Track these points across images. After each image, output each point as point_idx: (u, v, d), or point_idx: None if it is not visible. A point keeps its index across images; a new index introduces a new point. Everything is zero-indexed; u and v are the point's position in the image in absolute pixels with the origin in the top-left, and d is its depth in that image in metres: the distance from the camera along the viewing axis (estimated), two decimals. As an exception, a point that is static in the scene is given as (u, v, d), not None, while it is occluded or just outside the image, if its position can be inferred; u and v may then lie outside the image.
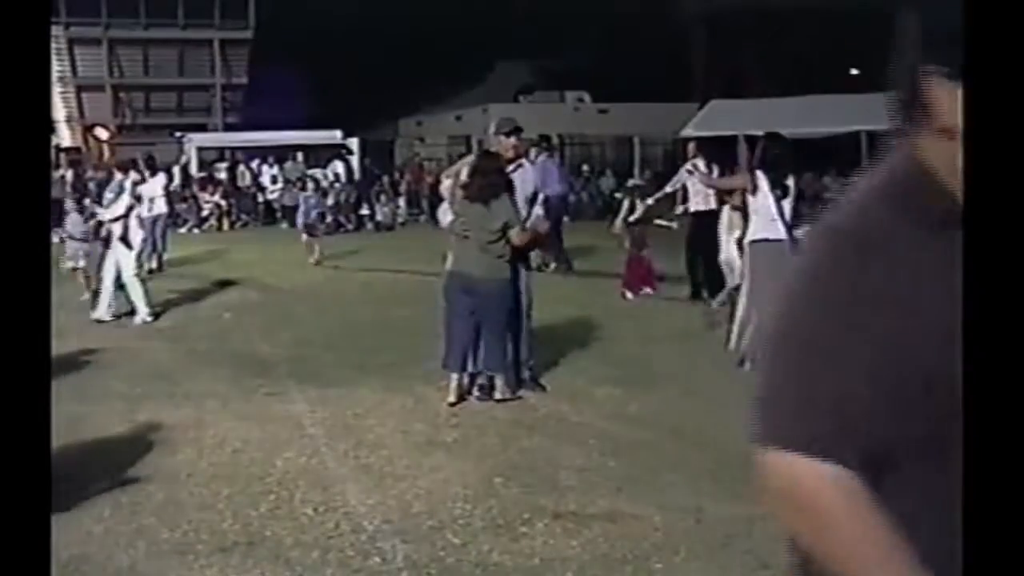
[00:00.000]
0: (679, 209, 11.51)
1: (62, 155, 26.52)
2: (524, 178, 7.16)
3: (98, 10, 35.20)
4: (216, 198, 22.42)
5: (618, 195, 26.67)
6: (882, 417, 1.29)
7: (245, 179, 24.80)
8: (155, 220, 13.86)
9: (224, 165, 25.69)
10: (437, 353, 7.07)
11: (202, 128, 34.14)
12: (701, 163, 10.89)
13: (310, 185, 16.91)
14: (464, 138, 30.77)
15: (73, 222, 11.60)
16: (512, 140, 7.13)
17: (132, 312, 10.20)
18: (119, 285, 10.17)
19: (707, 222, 9.97)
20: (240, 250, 16.89)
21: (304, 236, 15.16)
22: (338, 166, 24.39)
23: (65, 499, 4.82)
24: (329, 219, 22.28)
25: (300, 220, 15.83)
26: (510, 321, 6.90)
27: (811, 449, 1.32)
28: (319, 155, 25.42)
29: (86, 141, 35.02)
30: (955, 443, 1.29)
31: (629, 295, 11.24)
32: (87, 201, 12.14)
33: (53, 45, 32.82)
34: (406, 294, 12.31)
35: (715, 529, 4.57)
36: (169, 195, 15.58)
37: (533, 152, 13.26)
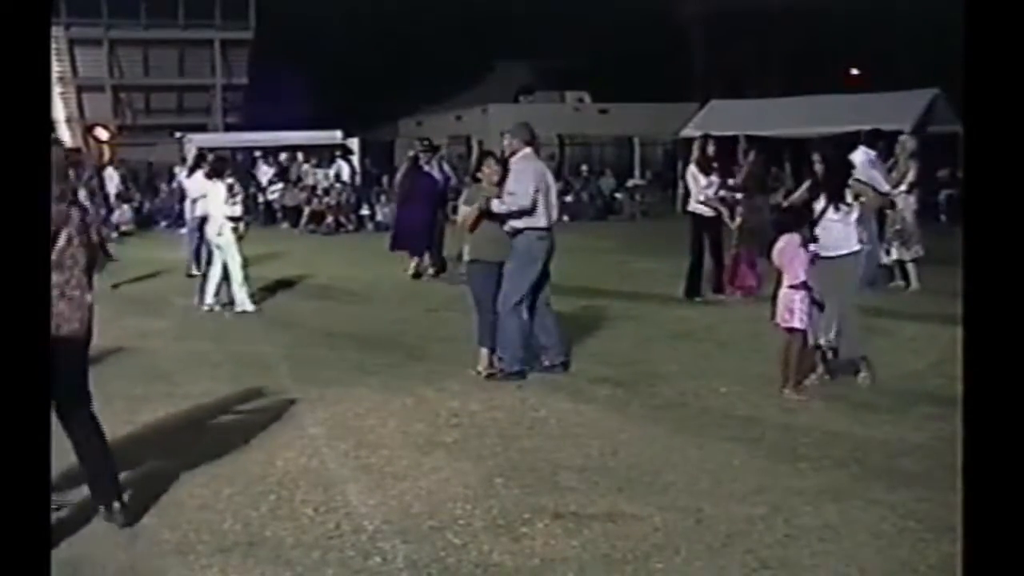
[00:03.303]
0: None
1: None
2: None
3: (98, 11, 35.23)
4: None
5: (618, 195, 26.79)
6: None
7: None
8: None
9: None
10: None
11: (202, 128, 34.16)
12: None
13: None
14: (464, 138, 30.73)
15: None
16: (504, 139, 7.99)
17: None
18: (225, 276, 10.94)
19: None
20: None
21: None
22: (343, 167, 24.36)
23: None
24: (329, 219, 22.32)
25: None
26: (496, 301, 7.58)
27: None
28: (320, 155, 25.39)
29: (86, 142, 35.04)
30: None
31: (738, 294, 11.05)
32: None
33: (53, 46, 32.83)
34: (409, 294, 12.33)
35: (715, 529, 4.57)
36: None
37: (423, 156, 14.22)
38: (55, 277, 4.37)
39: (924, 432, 6.03)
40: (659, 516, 4.72)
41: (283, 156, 26.09)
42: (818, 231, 7.15)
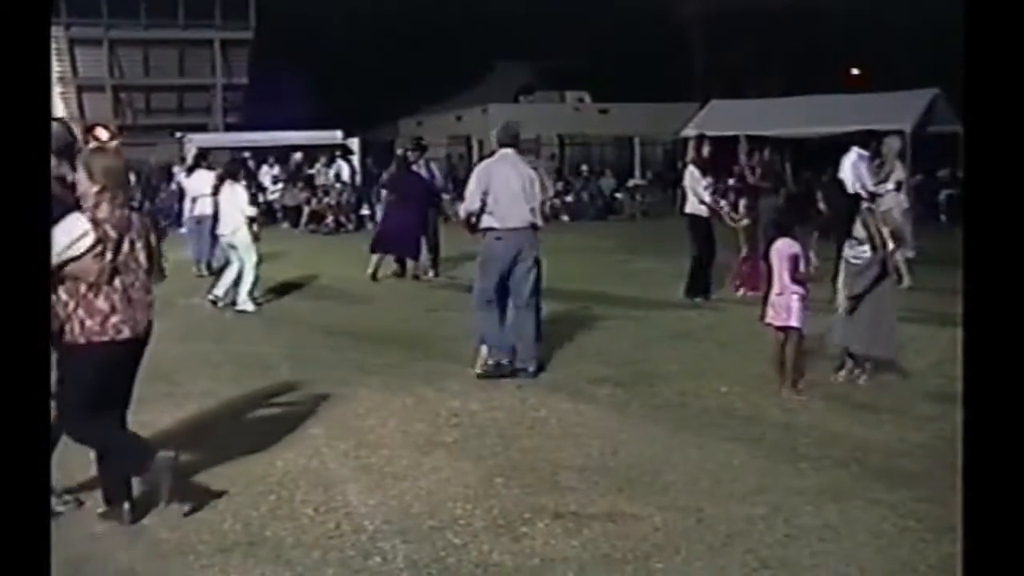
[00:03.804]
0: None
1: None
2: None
3: (98, 10, 35.19)
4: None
5: (619, 195, 26.78)
6: None
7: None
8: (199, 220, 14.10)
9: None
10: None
11: (202, 128, 34.15)
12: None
13: None
14: (464, 138, 30.73)
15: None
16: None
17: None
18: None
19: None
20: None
21: None
22: (343, 167, 24.35)
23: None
24: (329, 219, 22.32)
25: None
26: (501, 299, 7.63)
27: None
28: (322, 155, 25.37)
29: (87, 142, 35.04)
30: None
31: (742, 292, 11.13)
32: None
33: (54, 45, 32.82)
34: (408, 294, 12.34)
35: (715, 529, 4.57)
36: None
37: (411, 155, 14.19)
38: (120, 280, 4.50)
39: (924, 432, 6.03)
40: (659, 516, 4.72)
41: (293, 157, 26.06)
42: (845, 243, 7.26)
